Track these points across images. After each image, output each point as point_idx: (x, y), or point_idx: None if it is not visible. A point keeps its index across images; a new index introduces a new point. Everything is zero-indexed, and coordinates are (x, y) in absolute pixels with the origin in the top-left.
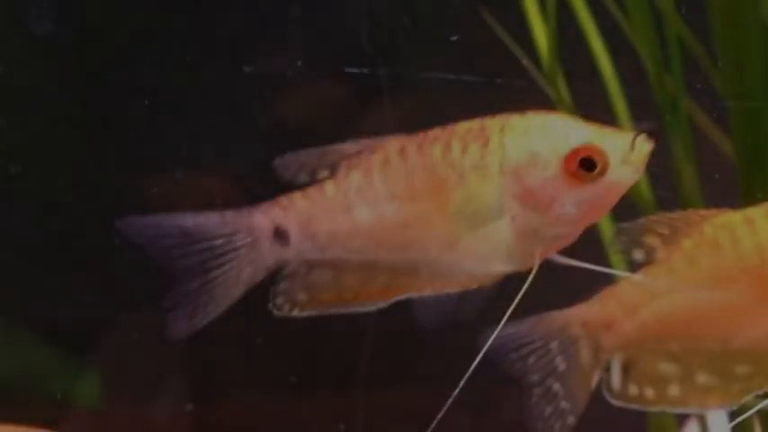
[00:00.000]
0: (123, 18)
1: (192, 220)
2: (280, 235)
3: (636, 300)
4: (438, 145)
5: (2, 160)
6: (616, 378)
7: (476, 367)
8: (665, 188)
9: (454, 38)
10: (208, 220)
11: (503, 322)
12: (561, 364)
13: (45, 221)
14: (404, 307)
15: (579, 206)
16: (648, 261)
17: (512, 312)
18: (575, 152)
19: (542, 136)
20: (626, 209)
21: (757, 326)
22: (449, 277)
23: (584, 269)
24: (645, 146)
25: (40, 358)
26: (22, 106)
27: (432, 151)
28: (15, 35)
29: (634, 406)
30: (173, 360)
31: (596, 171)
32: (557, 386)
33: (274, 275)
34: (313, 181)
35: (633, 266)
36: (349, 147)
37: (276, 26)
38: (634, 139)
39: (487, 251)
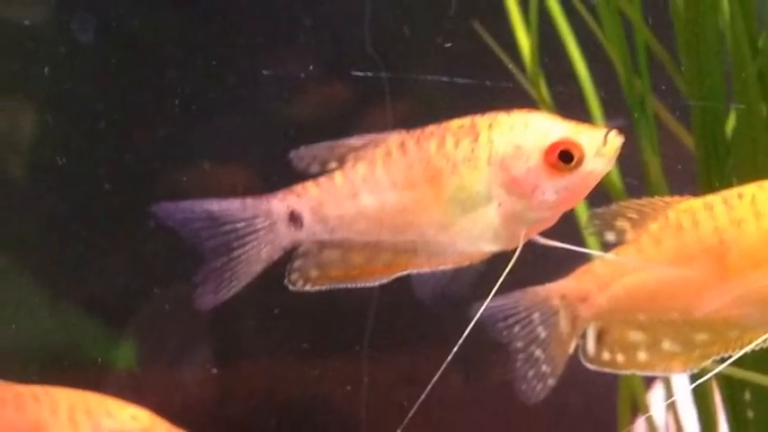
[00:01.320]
0: (156, 27)
1: (217, 206)
2: (294, 219)
3: (608, 276)
4: (434, 140)
5: (50, 153)
6: (591, 345)
7: (467, 335)
8: (633, 177)
9: (448, 45)
10: (231, 206)
11: (491, 295)
12: (542, 333)
13: (87, 207)
14: (404, 282)
15: (558, 193)
16: (619, 242)
17: (499, 287)
18: (554, 146)
19: (525, 131)
20: (599, 196)
21: (715, 299)
22: (443, 256)
23: (563, 249)
24: (616, 140)
25: (83, 329)
26: (67, 105)
27: (428, 145)
28: (61, 42)
29: (607, 370)
30: (199, 329)
31: (573, 162)
32: (538, 352)
33: (289, 254)
34: (324, 171)
35: (606, 247)
36: (355, 141)
37: (291, 35)
38: (606, 135)
39: (477, 233)
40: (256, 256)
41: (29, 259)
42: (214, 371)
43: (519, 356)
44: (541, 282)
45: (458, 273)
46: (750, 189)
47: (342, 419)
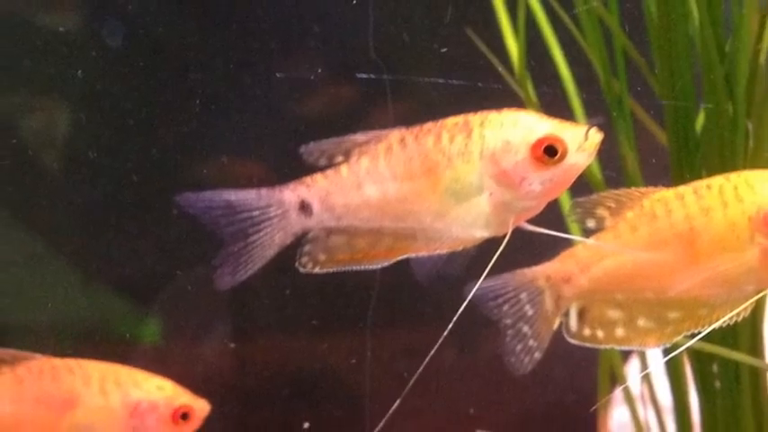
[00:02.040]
0: (179, 35)
1: (234, 196)
2: (304, 208)
3: (589, 259)
4: (431, 136)
5: (83, 147)
6: (573, 322)
7: (461, 312)
8: (612, 170)
9: (444, 50)
10: (247, 196)
11: (483, 277)
12: (529, 311)
13: (117, 197)
14: (403, 264)
15: (543, 184)
16: (599, 228)
17: (490, 269)
18: (540, 141)
19: (514, 128)
20: (581, 187)
21: (686, 280)
22: (439, 241)
23: (548, 235)
24: (596, 136)
25: (113, 307)
26: (99, 104)
27: (426, 141)
28: (93, 47)
29: (588, 344)
30: (219, 307)
31: (557, 156)
32: (526, 328)
33: (300, 240)
34: (331, 164)
35: (587, 233)
36: (359, 137)
37: (301, 41)
38: (587, 131)
39: (470, 220)
40: (270, 242)
41: (64, 244)
42: (232, 345)
43: (508, 332)
44: (528, 264)
45: (452, 256)
46: (718, 180)
47: (347, 389)
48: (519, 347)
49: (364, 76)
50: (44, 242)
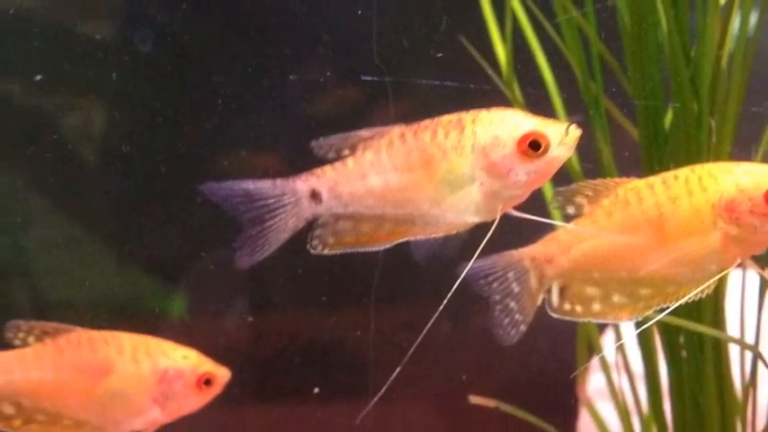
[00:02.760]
0: (203, 41)
1: (252, 185)
2: (315, 196)
3: (569, 242)
4: (428, 132)
5: (117, 142)
6: (555, 298)
7: (455, 289)
8: (589, 162)
9: (439, 55)
10: (264, 185)
11: (474, 257)
12: (516, 288)
13: (147, 186)
14: (403, 246)
15: (528, 175)
16: (578, 214)
17: (480, 250)
18: (525, 137)
19: (502, 125)
20: (562, 177)
21: (655, 261)
22: (435, 225)
23: (532, 220)
24: (575, 132)
25: (144, 285)
26: (131, 103)
27: (423, 136)
28: (126, 53)
29: (568, 318)
30: (238, 285)
31: (541, 150)
32: (512, 303)
33: (311, 225)
34: (339, 157)
35: (567, 218)
36: (364, 133)
37: (312, 47)
38: (568, 128)
39: (463, 207)
40: (284, 226)
41: (100, 228)
42: (250, 319)
43: (497, 307)
44: (515, 247)
45: (447, 239)
46: (684, 172)
47: (353, 358)
48: (506, 321)
49: (368, 78)
50: (82, 227)
